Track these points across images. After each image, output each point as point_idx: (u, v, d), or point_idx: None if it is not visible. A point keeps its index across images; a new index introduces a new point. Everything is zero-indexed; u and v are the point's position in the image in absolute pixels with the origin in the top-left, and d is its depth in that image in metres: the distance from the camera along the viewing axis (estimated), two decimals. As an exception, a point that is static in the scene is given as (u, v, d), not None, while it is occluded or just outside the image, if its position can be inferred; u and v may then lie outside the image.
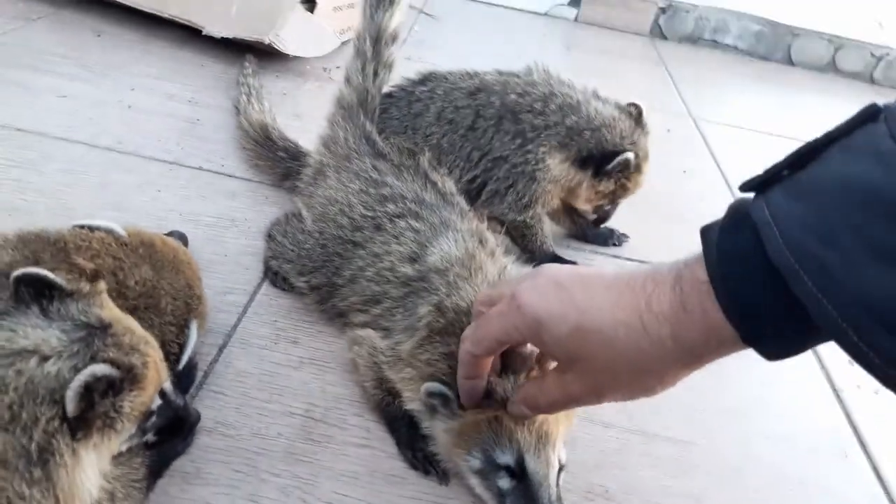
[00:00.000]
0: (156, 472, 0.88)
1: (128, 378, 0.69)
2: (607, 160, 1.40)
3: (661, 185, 1.97)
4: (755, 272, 0.61)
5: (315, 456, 0.97)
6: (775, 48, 3.52)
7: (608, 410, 1.14)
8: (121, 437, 0.72)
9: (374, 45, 1.37)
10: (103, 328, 0.70)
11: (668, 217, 1.81)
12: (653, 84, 2.88)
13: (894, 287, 0.53)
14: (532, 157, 1.40)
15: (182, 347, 0.95)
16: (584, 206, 1.52)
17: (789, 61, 3.52)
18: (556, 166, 1.41)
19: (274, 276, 1.27)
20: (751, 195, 0.65)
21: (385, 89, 1.46)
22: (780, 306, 0.61)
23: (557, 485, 0.90)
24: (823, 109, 2.94)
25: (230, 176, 1.58)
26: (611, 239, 1.63)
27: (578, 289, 0.72)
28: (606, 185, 1.45)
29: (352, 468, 0.96)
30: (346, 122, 1.37)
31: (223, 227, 1.40)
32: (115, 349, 0.69)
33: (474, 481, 0.93)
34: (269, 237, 1.29)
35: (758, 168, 0.65)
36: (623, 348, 0.69)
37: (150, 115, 1.76)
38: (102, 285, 0.75)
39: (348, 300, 1.14)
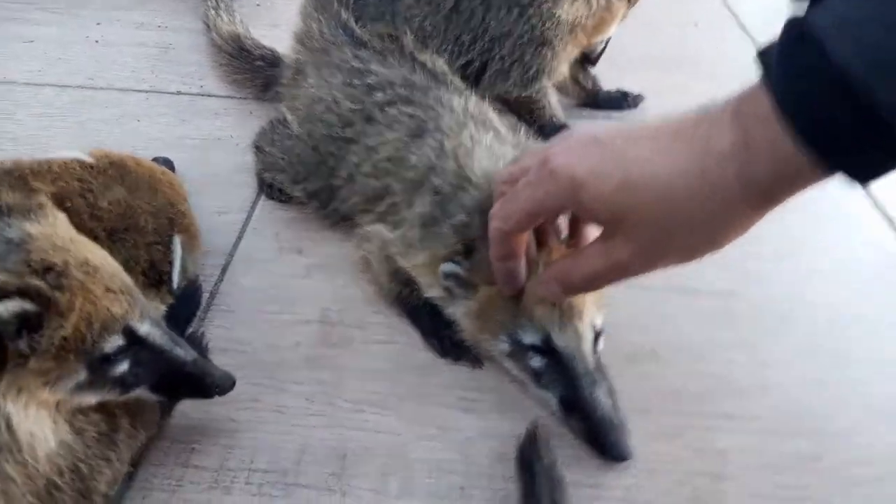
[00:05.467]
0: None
1: (41, 306, 0.58)
2: None
3: (671, 40, 1.83)
4: (824, 88, 0.51)
5: (337, 359, 0.91)
6: None
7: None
8: (59, 384, 0.62)
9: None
10: (19, 244, 0.60)
11: (684, 72, 1.67)
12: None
13: None
14: (537, 20, 1.28)
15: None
16: (617, 22, 1.38)
17: None
18: (568, 10, 1.27)
19: (269, 188, 1.19)
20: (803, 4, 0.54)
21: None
22: (856, 119, 0.50)
23: (595, 352, 0.83)
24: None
25: (210, 96, 1.49)
26: (625, 102, 1.51)
27: (620, 142, 0.63)
28: None
29: (378, 365, 0.91)
30: (319, 12, 1.26)
31: (209, 148, 1.32)
32: (23, 269, 0.59)
33: (508, 364, 0.87)
34: (257, 149, 1.21)
35: (774, 10, 0.55)
36: (682, 198, 0.59)
37: (120, 48, 1.65)
38: (45, 199, 0.66)
39: (350, 201, 1.06)
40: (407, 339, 0.95)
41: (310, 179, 1.10)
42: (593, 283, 0.71)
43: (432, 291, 0.91)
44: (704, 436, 0.84)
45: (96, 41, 1.68)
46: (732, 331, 0.98)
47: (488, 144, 0.96)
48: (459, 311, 0.88)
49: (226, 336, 0.93)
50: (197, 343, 0.88)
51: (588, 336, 0.82)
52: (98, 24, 1.76)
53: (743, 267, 1.09)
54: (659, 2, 1.99)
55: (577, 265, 0.69)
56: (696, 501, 0.77)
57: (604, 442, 0.78)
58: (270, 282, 1.03)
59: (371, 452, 0.80)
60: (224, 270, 1.05)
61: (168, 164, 1.18)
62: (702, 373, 0.91)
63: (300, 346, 0.93)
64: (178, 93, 1.49)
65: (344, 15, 1.25)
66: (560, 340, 0.81)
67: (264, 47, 1.47)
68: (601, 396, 0.80)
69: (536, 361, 0.83)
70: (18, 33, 1.68)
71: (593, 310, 0.84)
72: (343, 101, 1.08)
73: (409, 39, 1.17)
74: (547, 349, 0.82)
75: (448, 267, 0.85)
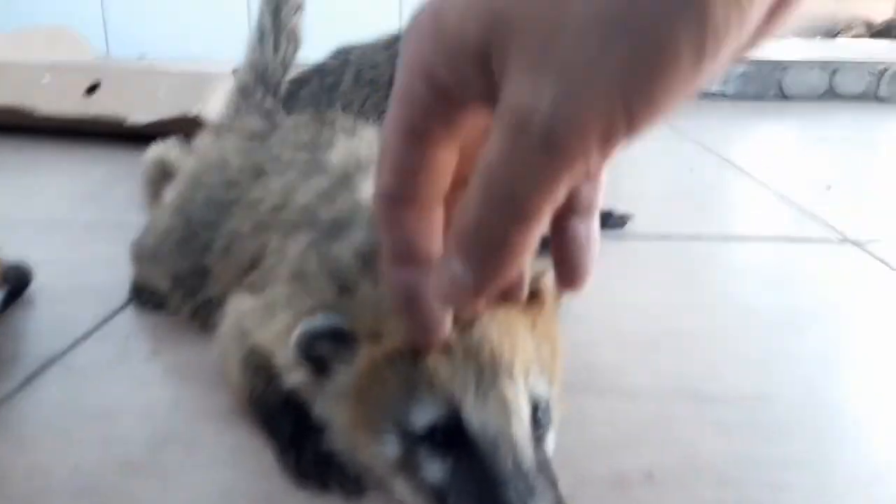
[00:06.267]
0: None
1: None
2: None
3: (665, 179, 1.66)
4: None
5: (128, 490, 0.57)
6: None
7: (628, 376, 0.73)
8: None
9: (273, 15, 1.13)
10: None
11: (675, 203, 1.45)
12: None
13: None
14: None
15: None
16: None
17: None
18: None
19: (139, 292, 0.92)
20: None
21: (294, 74, 1.20)
22: None
23: (538, 443, 0.49)
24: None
25: (123, 227, 1.27)
26: (610, 219, 1.26)
27: None
28: None
29: (192, 496, 0.56)
30: (241, 99, 1.10)
31: (93, 266, 1.06)
32: None
33: (400, 485, 0.52)
34: (133, 245, 0.96)
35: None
36: None
37: (46, 192, 1.50)
38: None
39: (221, 278, 0.78)
40: (253, 463, 0.60)
41: (178, 259, 0.83)
42: (507, 187, 0.33)
43: (296, 377, 0.59)
44: None
45: (22, 185, 1.54)
46: (769, 446, 0.62)
47: None
48: (331, 396, 0.56)
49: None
50: None
51: (522, 410, 0.49)
52: (37, 179, 1.63)
53: (773, 367, 0.76)
54: (655, 149, 1.87)
55: (473, 183, 0.34)
56: None
57: None
58: (87, 394, 0.71)
59: None
60: (28, 380, 0.74)
61: (19, 270, 0.94)
62: (731, 501, 0.55)
63: (77, 471, 0.59)
64: (88, 224, 1.29)
65: (269, 104, 1.09)
66: (475, 416, 0.48)
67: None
68: (541, 515, 0.44)
69: (436, 469, 0.49)
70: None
71: (531, 367, 0.51)
72: (233, 160, 0.85)
73: (336, 114, 0.98)
74: (454, 435, 0.48)
75: (313, 324, 0.54)
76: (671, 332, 0.83)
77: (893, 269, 1.03)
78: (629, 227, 1.24)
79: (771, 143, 2.21)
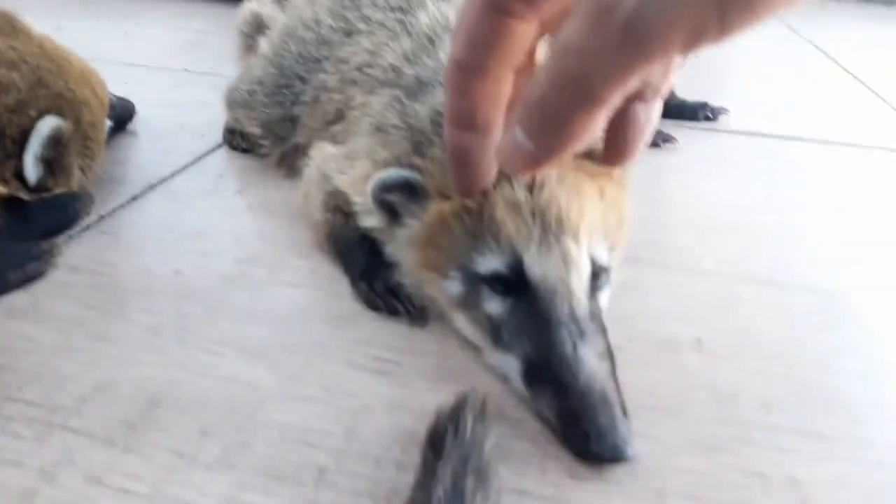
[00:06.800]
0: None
1: None
2: None
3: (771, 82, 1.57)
4: None
5: (221, 295, 0.63)
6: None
7: (693, 256, 0.74)
8: None
9: None
10: None
11: (780, 97, 1.38)
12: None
13: None
14: None
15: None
16: None
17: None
18: None
19: (231, 134, 0.98)
20: None
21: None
22: None
23: (593, 297, 0.52)
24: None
25: (217, 75, 1.32)
26: (702, 111, 1.22)
27: None
28: None
29: (275, 308, 0.62)
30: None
31: (189, 108, 1.13)
32: None
33: (459, 319, 0.57)
34: (227, 91, 1.00)
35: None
36: None
37: (148, 40, 1.56)
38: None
39: (308, 127, 0.82)
40: (328, 286, 0.66)
41: (269, 107, 0.88)
42: (578, 70, 0.33)
43: (371, 219, 0.63)
44: (770, 456, 0.48)
45: (125, 33, 1.60)
46: (827, 333, 0.63)
47: None
48: (402, 241, 0.60)
49: (90, 256, 0.68)
50: (32, 252, 0.64)
51: (582, 267, 0.52)
52: (137, 24, 1.69)
53: (847, 267, 0.75)
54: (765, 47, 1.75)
55: (547, 60, 0.34)
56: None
57: (585, 426, 0.45)
58: (188, 216, 0.78)
59: (201, 404, 0.50)
60: (133, 199, 0.81)
61: (124, 104, 1.00)
62: (774, 375, 0.57)
63: (180, 275, 0.66)
64: (186, 70, 1.35)
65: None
66: (536, 267, 0.51)
67: (283, 24, 1.32)
68: (589, 357, 0.48)
69: (495, 306, 0.53)
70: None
71: (595, 232, 0.53)
72: (325, 19, 0.87)
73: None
74: (515, 281, 0.52)
75: (389, 175, 0.58)
76: (745, 224, 0.82)
77: None
78: (722, 121, 1.20)
79: (893, 53, 2.04)
